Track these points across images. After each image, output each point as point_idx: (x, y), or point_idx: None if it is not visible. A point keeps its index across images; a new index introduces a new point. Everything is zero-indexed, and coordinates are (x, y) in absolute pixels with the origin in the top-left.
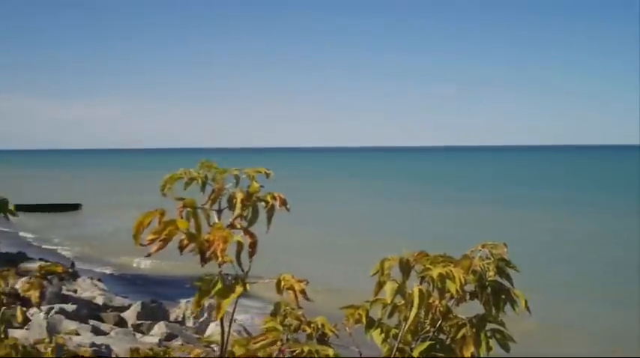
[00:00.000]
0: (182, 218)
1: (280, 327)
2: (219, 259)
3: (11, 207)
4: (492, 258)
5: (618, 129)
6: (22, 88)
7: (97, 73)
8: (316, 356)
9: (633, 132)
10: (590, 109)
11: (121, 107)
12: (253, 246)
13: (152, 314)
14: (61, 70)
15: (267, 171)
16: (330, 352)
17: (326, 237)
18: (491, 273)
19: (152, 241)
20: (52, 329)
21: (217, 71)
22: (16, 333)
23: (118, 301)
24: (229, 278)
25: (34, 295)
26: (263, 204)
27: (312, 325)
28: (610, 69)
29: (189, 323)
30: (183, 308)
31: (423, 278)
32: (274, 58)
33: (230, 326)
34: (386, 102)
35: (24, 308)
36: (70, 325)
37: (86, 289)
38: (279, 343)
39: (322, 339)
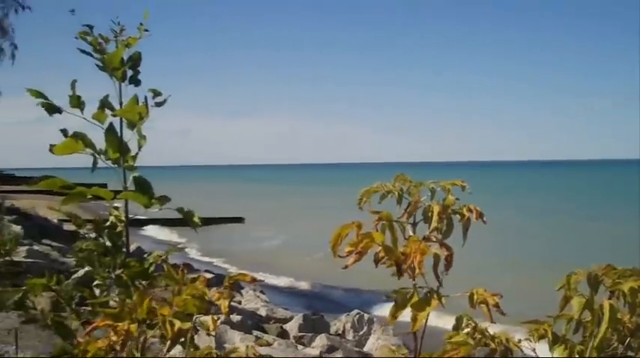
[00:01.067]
0: (377, 230)
1: (472, 341)
2: (417, 271)
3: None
4: None
5: None
6: (194, 107)
7: (261, 91)
8: None
9: None
10: None
11: (280, 124)
12: (449, 258)
13: (313, 326)
14: (230, 90)
15: (463, 184)
16: None
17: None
18: None
19: (349, 253)
20: (218, 339)
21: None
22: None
23: (281, 313)
24: (423, 291)
25: (224, 304)
26: (457, 216)
27: (495, 340)
28: None
29: (349, 336)
30: (343, 321)
31: (612, 292)
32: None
33: (422, 339)
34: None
35: (215, 317)
36: (235, 335)
37: (250, 300)
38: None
39: (505, 355)
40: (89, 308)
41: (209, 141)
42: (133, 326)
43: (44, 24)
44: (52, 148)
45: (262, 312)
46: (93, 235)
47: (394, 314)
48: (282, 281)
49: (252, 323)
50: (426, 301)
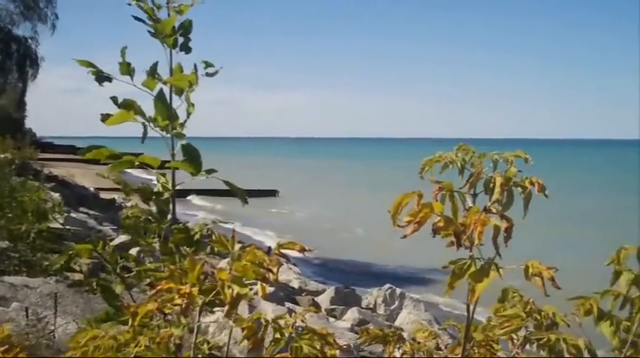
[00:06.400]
0: (437, 201)
1: (524, 315)
2: (477, 242)
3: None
4: None
5: None
6: (229, 80)
7: (293, 65)
8: (564, 345)
9: None
10: None
11: (311, 98)
12: (509, 230)
13: (345, 299)
14: (260, 64)
15: (526, 156)
16: (581, 342)
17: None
18: None
19: (408, 223)
20: (251, 310)
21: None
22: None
23: (313, 285)
24: (481, 262)
25: (273, 271)
26: (519, 189)
27: (542, 313)
28: None
29: (381, 310)
30: (374, 295)
31: None
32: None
33: (474, 312)
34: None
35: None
36: (267, 306)
37: (282, 272)
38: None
39: (551, 329)
40: (132, 275)
41: (238, 113)
42: (195, 290)
43: None
44: (103, 118)
45: (294, 284)
46: (129, 203)
47: (451, 285)
48: (314, 255)
49: (284, 295)
50: (483, 272)
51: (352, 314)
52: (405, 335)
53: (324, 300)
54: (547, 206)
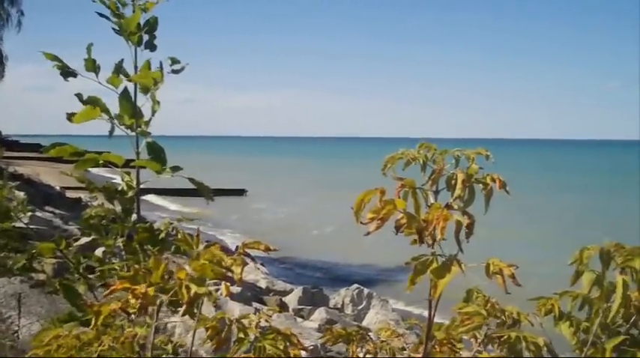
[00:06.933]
0: (399, 197)
1: (484, 312)
2: (439, 237)
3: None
4: None
5: None
6: (201, 79)
7: (263, 66)
8: (524, 342)
9: None
10: None
11: (282, 98)
12: (471, 226)
13: (312, 299)
14: (233, 63)
15: (487, 153)
16: (540, 340)
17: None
18: None
19: (372, 220)
20: (218, 309)
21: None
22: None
23: (280, 285)
24: (443, 258)
25: (236, 271)
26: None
27: (505, 313)
28: None
29: (348, 310)
30: (342, 295)
31: (622, 270)
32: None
33: (435, 309)
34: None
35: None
36: (235, 306)
37: (249, 272)
38: (484, 328)
39: (513, 328)
40: (96, 275)
41: (210, 112)
42: (151, 290)
43: None
44: (70, 117)
45: (262, 284)
46: (96, 203)
47: (413, 281)
48: (282, 255)
49: (251, 295)
50: (445, 268)
51: (320, 314)
52: (371, 334)
53: (291, 300)
54: (541, 207)
